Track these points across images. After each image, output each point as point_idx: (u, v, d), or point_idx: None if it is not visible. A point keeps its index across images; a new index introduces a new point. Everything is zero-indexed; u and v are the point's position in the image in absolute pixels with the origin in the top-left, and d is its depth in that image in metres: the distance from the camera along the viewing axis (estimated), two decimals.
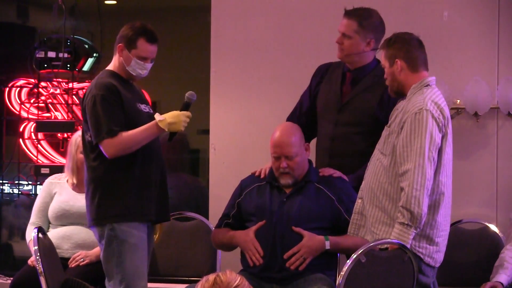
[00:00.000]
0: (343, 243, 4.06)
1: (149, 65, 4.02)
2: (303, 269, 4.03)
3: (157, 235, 4.25)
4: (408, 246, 3.61)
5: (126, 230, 3.91)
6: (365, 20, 4.26)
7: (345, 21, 4.28)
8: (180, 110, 4.00)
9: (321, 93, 4.46)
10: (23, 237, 5.05)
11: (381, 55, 3.91)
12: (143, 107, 4.04)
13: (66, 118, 5.95)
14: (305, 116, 4.48)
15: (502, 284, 4.37)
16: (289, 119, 4.52)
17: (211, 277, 2.47)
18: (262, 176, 4.26)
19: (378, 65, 4.34)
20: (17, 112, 6.06)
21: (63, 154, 5.82)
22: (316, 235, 4.06)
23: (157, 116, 3.93)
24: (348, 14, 4.29)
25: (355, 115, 4.30)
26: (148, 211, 3.99)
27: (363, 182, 3.95)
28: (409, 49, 3.82)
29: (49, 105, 6.00)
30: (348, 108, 4.33)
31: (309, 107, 4.51)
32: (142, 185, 3.96)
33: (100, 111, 3.88)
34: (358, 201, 3.94)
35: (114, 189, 3.93)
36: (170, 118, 3.93)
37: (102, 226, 3.94)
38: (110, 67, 4.07)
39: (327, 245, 4.05)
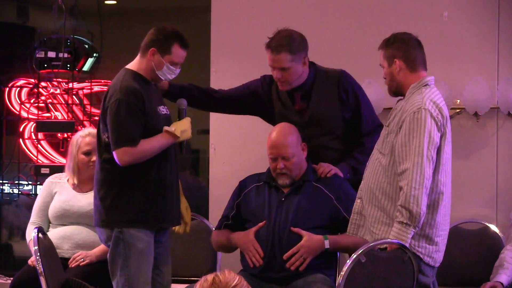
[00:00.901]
0: (342, 242, 4.06)
1: (178, 70, 4.01)
2: (303, 269, 4.04)
3: (184, 227, 4.24)
4: (407, 245, 3.61)
5: (134, 234, 3.90)
6: (292, 45, 4.22)
7: (274, 57, 4.22)
8: (179, 119, 4.05)
9: (278, 111, 4.41)
10: (23, 237, 5.06)
11: (380, 55, 3.90)
12: (161, 108, 4.02)
13: (66, 118, 5.95)
14: (232, 101, 4.48)
15: (502, 284, 4.38)
16: (218, 90, 4.53)
17: (210, 277, 2.47)
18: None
19: (316, 71, 4.35)
20: (17, 112, 6.06)
21: (63, 154, 5.83)
22: (315, 234, 4.06)
23: (167, 128, 3.95)
24: (275, 49, 4.21)
25: (324, 125, 4.31)
26: (159, 219, 3.98)
27: (362, 182, 3.95)
28: (408, 49, 3.82)
29: (49, 105, 6.01)
30: (314, 122, 4.32)
31: (243, 103, 4.49)
32: (156, 191, 3.94)
33: (123, 117, 3.83)
34: (357, 201, 3.94)
35: (127, 194, 3.91)
36: (180, 127, 3.96)
37: (111, 229, 3.93)
38: (133, 67, 4.00)
39: (326, 244, 4.05)
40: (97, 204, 3.99)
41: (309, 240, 4.05)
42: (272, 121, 4.45)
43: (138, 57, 4.01)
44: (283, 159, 4.13)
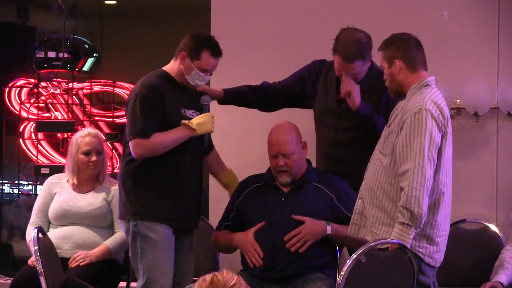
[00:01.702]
0: (344, 232, 4.05)
1: (208, 77, 4.06)
2: (303, 251, 4.04)
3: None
4: (408, 246, 3.61)
5: (149, 226, 3.96)
6: (364, 52, 4.19)
7: (347, 65, 4.18)
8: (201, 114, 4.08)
9: (318, 97, 4.43)
10: (23, 237, 5.05)
11: (379, 57, 3.90)
12: (189, 112, 4.05)
13: (66, 118, 5.94)
14: (283, 94, 4.47)
15: (502, 284, 4.38)
16: (271, 84, 4.51)
17: (208, 276, 2.47)
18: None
19: (372, 67, 4.33)
20: (17, 112, 6.06)
21: (63, 154, 5.83)
22: (317, 220, 4.06)
23: (183, 121, 3.98)
24: (347, 58, 4.16)
25: (354, 120, 4.28)
26: (171, 216, 4.00)
27: (363, 182, 3.94)
28: (407, 49, 3.81)
29: (49, 105, 6.00)
30: (347, 114, 4.30)
31: (292, 93, 4.48)
32: (169, 190, 3.98)
33: (138, 110, 3.91)
34: (358, 201, 3.94)
35: (142, 188, 3.98)
36: (197, 120, 3.99)
37: (127, 221, 4.01)
38: (167, 67, 4.09)
39: (328, 229, 4.07)
40: (118, 197, 4.11)
41: (312, 223, 4.07)
42: (309, 106, 4.47)
43: (173, 59, 4.08)
44: (283, 156, 4.14)
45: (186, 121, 3.97)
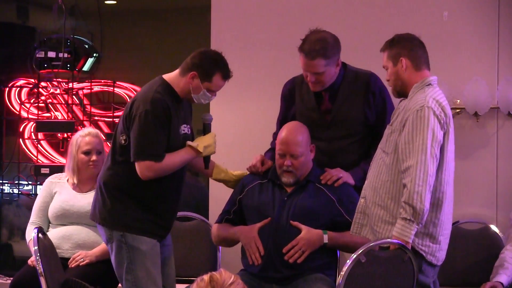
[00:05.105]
0: (341, 239, 4.07)
1: (213, 97, 3.94)
2: (301, 261, 4.04)
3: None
4: (410, 241, 3.61)
5: (137, 237, 3.88)
6: (327, 50, 4.15)
7: (309, 62, 4.15)
8: (204, 134, 4.00)
9: (299, 112, 4.39)
10: (23, 237, 5.06)
11: (383, 57, 3.89)
12: (182, 128, 3.94)
13: (66, 118, 5.95)
14: None
15: (502, 284, 4.38)
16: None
17: (206, 276, 2.48)
18: (260, 169, 4.24)
19: (346, 72, 4.30)
20: (17, 112, 6.07)
21: (63, 154, 5.83)
22: (314, 229, 4.07)
23: (190, 143, 3.91)
24: (309, 54, 4.14)
25: (346, 128, 4.28)
26: (158, 230, 3.94)
27: (366, 181, 3.95)
28: (413, 47, 3.82)
29: (49, 105, 6.01)
30: (336, 123, 4.30)
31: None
32: (155, 202, 3.91)
33: (151, 131, 3.77)
34: (361, 200, 3.94)
35: (129, 199, 3.89)
36: (203, 143, 3.93)
37: (110, 230, 3.92)
38: (169, 80, 3.91)
39: (325, 238, 4.06)
40: (98, 200, 3.97)
41: (308, 233, 4.06)
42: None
43: (177, 73, 3.91)
44: (291, 157, 4.13)
45: (194, 144, 3.89)
